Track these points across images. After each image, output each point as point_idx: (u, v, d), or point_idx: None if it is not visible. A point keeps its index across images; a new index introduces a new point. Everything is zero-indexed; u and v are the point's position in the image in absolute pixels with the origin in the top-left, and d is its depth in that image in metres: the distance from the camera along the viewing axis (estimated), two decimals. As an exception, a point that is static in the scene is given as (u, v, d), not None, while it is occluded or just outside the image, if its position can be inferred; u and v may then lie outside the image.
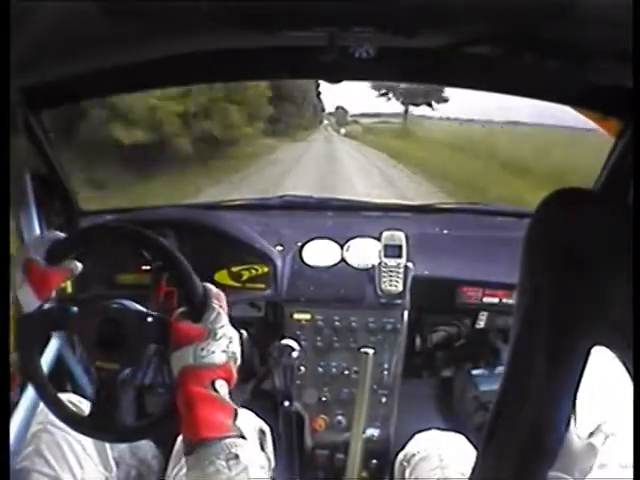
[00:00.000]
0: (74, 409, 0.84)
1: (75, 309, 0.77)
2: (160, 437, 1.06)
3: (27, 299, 0.77)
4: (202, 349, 0.69)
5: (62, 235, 0.82)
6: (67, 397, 0.98)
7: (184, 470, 0.94)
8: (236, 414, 0.68)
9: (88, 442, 0.95)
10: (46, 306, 0.80)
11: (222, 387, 0.68)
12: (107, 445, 0.99)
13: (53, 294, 0.81)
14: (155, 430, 0.77)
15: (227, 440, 0.63)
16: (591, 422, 0.63)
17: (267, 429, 1.13)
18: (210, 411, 0.65)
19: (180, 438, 1.04)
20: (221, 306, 0.73)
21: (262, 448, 1.09)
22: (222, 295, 0.75)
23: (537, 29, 0.79)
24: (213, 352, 0.69)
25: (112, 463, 1.00)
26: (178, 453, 1.01)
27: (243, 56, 1.09)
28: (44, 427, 0.94)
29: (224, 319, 0.72)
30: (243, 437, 0.65)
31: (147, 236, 0.77)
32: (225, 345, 0.70)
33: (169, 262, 0.76)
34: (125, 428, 0.77)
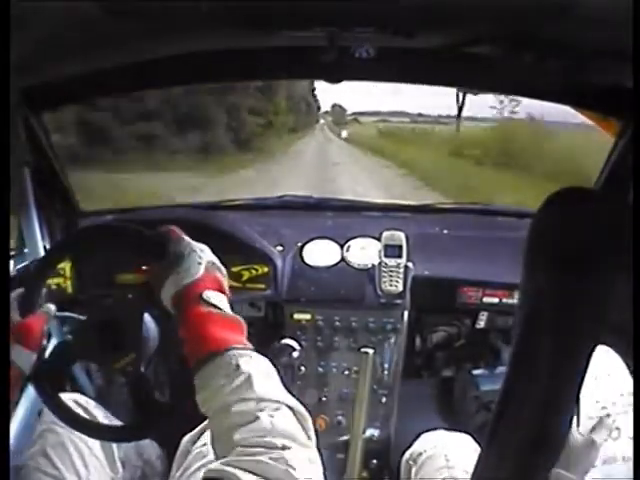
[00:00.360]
0: (81, 410, 0.84)
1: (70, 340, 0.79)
2: (164, 438, 1.06)
3: (21, 358, 0.73)
4: (178, 273, 0.70)
5: (23, 290, 0.80)
6: (72, 397, 0.97)
7: (188, 471, 0.94)
8: (237, 323, 0.68)
9: (95, 443, 0.94)
10: (44, 360, 0.78)
11: (215, 297, 0.68)
12: (114, 446, 0.97)
13: (44, 342, 0.78)
14: (159, 427, 0.77)
15: (227, 353, 0.62)
16: (593, 417, 0.62)
17: None
18: (207, 327, 0.65)
19: (184, 440, 1.03)
20: (176, 233, 0.75)
21: None
22: (172, 227, 0.77)
23: (537, 29, 0.79)
24: (187, 269, 0.70)
25: (119, 464, 0.98)
26: (182, 454, 1.01)
27: (243, 56, 1.09)
28: (49, 427, 0.93)
29: (183, 241, 0.74)
30: (244, 347, 0.64)
31: (147, 236, 0.77)
32: (196, 258, 0.72)
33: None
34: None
